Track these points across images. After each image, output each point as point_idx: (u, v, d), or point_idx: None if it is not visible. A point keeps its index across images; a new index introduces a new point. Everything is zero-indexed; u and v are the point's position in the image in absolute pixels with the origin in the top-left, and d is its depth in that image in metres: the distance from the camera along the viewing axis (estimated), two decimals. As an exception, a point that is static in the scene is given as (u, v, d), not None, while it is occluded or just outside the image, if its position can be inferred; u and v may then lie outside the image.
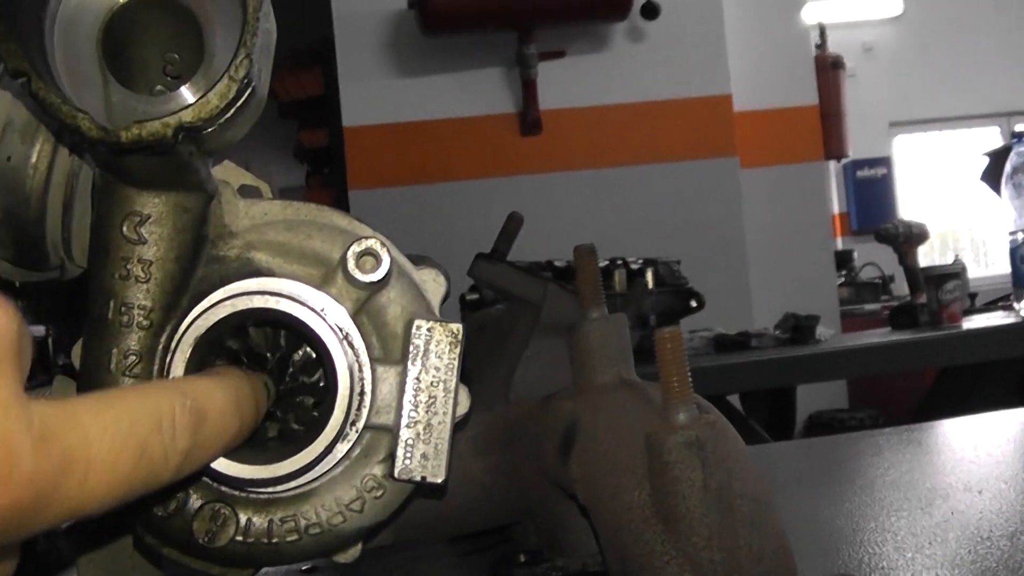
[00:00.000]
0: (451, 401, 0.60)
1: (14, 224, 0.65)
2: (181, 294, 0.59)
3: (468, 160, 4.05)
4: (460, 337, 0.60)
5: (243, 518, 0.59)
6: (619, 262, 2.85)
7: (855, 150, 6.22)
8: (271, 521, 0.59)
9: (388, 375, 0.60)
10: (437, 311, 0.63)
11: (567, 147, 4.08)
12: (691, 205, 4.07)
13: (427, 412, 0.59)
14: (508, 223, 0.96)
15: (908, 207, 7.51)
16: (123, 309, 0.57)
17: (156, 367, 0.58)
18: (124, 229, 0.58)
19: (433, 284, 0.64)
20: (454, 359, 0.60)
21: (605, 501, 0.55)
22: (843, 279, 5.55)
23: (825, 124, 4.94)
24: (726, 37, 4.12)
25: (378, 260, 0.59)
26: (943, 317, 3.01)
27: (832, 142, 5.21)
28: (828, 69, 5.42)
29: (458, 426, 0.60)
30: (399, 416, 0.59)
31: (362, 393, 0.59)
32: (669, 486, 0.51)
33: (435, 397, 0.60)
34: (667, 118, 4.10)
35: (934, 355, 2.86)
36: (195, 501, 0.59)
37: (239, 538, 0.59)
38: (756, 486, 0.55)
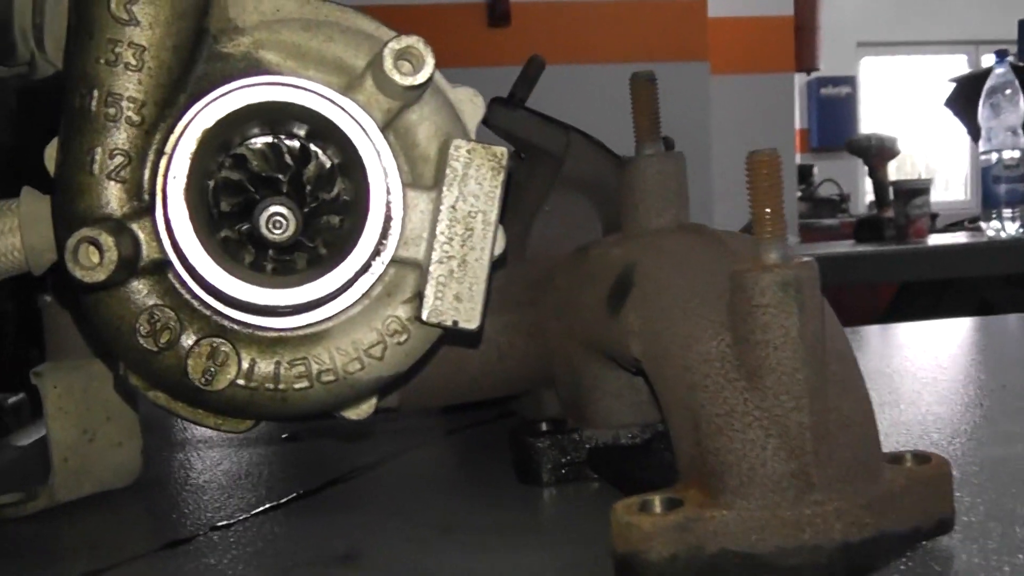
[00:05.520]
0: (490, 235, 0.51)
1: None
2: (178, 90, 0.49)
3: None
4: (504, 163, 0.52)
5: (246, 358, 0.51)
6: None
7: (821, 68, 6.14)
8: (278, 364, 0.51)
9: (419, 201, 0.51)
10: (473, 135, 0.54)
11: (536, 41, 3.93)
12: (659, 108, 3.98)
13: (463, 246, 0.51)
14: (528, 66, 0.87)
15: (869, 128, 7.46)
16: (109, 100, 0.48)
17: (147, 171, 0.49)
18: (112, 6, 0.48)
19: (470, 105, 0.55)
20: (496, 187, 0.52)
21: (674, 354, 0.48)
22: (801, 194, 5.52)
23: (798, 36, 4.86)
24: (705, -62, 3.99)
25: (419, 63, 0.50)
26: (909, 232, 2.99)
27: (804, 55, 5.12)
28: (806, -20, 5.30)
29: (494, 267, 0.53)
30: (430, 250, 0.51)
31: (390, 219, 0.50)
32: (758, 334, 0.44)
33: (472, 230, 0.51)
34: (640, 18, 3.99)
35: (901, 268, 2.83)
36: (190, 335, 0.50)
37: (240, 382, 0.51)
38: (843, 342, 0.48)
